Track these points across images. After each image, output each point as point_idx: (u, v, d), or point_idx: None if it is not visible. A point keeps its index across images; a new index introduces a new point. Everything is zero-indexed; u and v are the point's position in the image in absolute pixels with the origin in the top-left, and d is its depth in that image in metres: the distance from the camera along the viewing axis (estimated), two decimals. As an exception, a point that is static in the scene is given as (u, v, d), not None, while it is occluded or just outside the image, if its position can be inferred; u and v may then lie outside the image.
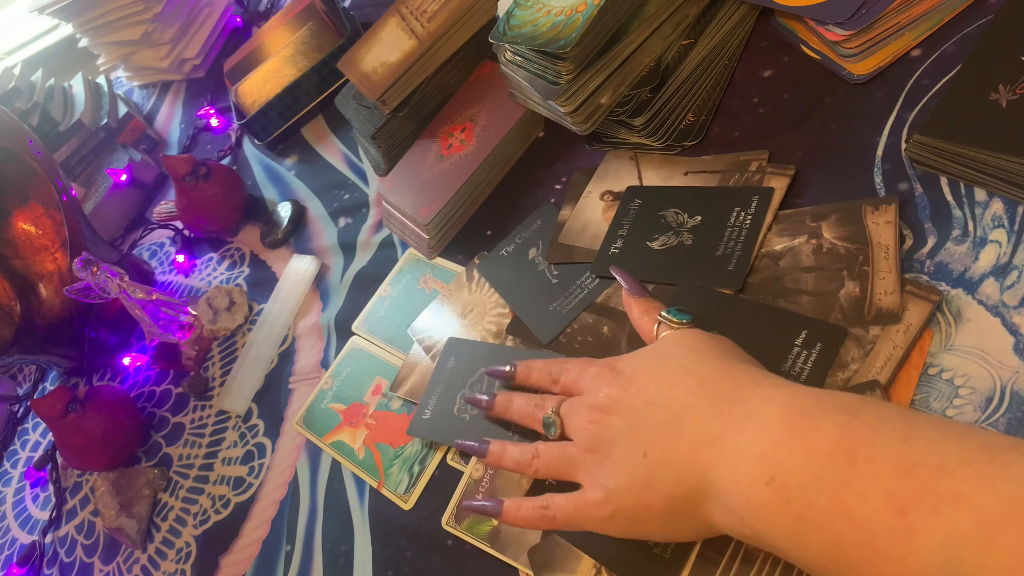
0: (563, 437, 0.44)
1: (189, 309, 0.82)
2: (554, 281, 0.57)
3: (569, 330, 0.54)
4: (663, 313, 0.44)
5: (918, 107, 0.49)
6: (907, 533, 0.29)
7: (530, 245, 0.61)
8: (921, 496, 0.29)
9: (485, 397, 0.50)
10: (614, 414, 0.40)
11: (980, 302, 0.41)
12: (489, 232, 0.66)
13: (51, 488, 0.83)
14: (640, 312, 0.46)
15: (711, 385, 0.38)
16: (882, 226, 0.46)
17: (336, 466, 0.62)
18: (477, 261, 0.64)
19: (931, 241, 0.45)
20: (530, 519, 0.43)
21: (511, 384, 0.51)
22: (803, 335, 0.44)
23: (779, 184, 0.51)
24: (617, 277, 0.49)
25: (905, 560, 0.29)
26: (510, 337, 0.57)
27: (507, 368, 0.50)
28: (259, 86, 0.92)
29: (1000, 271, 0.42)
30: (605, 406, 0.41)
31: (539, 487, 0.49)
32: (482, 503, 0.46)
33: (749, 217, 0.51)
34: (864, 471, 0.30)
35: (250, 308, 0.80)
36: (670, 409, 0.38)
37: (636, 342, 0.49)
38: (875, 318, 0.43)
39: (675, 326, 0.43)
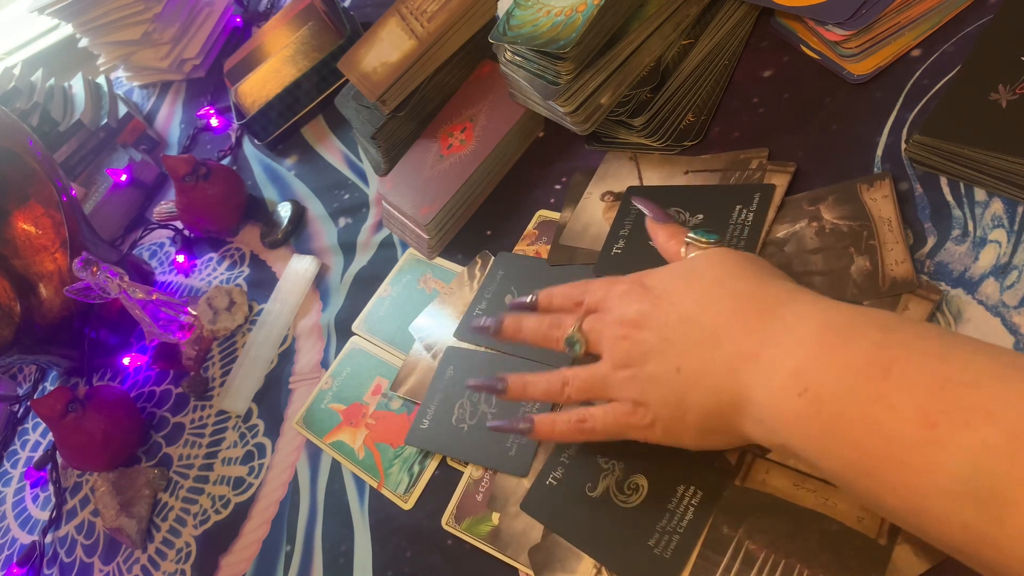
0: (587, 355, 0.43)
1: (189, 309, 0.82)
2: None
3: None
4: (690, 235, 0.44)
5: (918, 107, 0.49)
6: (935, 445, 0.29)
7: (502, 295, 0.59)
8: (951, 410, 0.29)
9: (491, 321, 0.48)
10: (645, 329, 0.40)
11: (980, 302, 0.41)
12: (489, 232, 0.66)
13: (51, 488, 0.83)
14: (666, 237, 0.45)
15: (745, 302, 0.38)
16: (880, 201, 0.47)
17: (336, 466, 0.62)
18: (479, 259, 0.64)
19: (931, 241, 0.45)
20: (567, 433, 0.44)
21: (539, 308, 0.49)
22: None
23: (780, 181, 0.51)
24: (639, 206, 0.49)
25: (931, 471, 0.29)
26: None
27: (528, 298, 0.49)
28: (259, 86, 0.92)
29: (1000, 271, 0.42)
30: (635, 321, 0.41)
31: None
32: (512, 423, 0.46)
33: (751, 214, 0.51)
34: (897, 385, 0.31)
35: (250, 308, 0.80)
36: (704, 325, 0.38)
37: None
38: (890, 288, 0.44)
39: (704, 246, 0.43)
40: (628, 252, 0.55)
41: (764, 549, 0.40)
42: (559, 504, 0.48)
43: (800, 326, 0.35)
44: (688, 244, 0.44)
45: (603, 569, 0.44)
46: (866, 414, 0.31)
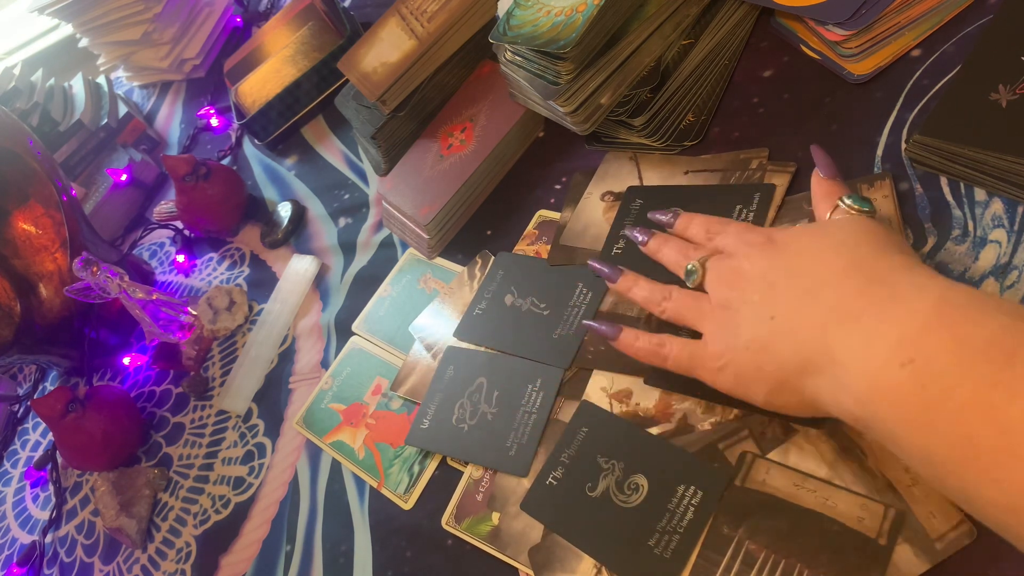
0: (700, 288, 0.44)
1: (189, 309, 0.82)
2: (545, 313, 0.56)
3: (580, 344, 0.53)
4: (844, 199, 0.42)
5: (918, 107, 0.49)
6: None
7: (502, 294, 0.59)
8: None
9: (642, 235, 0.50)
10: (756, 279, 0.40)
11: (980, 302, 0.41)
12: (489, 232, 0.66)
13: (51, 488, 0.83)
14: (822, 194, 0.44)
15: (863, 264, 0.37)
16: (880, 200, 0.47)
17: (336, 466, 0.62)
18: (479, 259, 0.64)
19: (931, 241, 0.45)
20: (644, 351, 0.45)
21: (667, 231, 0.50)
22: None
23: (780, 181, 0.51)
24: (813, 155, 0.46)
25: None
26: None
27: (668, 215, 0.50)
28: (259, 86, 0.92)
29: (1000, 271, 0.42)
30: (749, 272, 0.41)
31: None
32: (600, 325, 0.47)
33: (752, 214, 0.51)
34: (1022, 373, 0.29)
35: (250, 308, 0.80)
36: (812, 280, 0.38)
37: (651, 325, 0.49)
38: None
39: (853, 212, 0.41)
40: (628, 252, 0.55)
41: (764, 549, 0.40)
42: (559, 504, 0.48)
43: (914, 297, 0.34)
44: (837, 207, 0.42)
45: (603, 569, 0.44)
46: (981, 398, 0.29)
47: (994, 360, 0.29)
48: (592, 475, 0.48)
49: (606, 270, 0.49)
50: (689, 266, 0.45)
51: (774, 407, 0.40)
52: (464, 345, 0.59)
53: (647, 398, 0.49)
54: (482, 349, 0.58)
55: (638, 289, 0.47)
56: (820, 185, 0.44)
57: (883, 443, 0.35)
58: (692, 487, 0.44)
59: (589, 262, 0.51)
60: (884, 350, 0.33)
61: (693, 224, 0.48)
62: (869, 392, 0.33)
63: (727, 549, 0.41)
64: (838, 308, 0.36)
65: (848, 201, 0.42)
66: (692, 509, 0.44)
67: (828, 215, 0.42)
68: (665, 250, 0.48)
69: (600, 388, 0.51)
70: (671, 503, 0.44)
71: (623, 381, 0.50)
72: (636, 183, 0.58)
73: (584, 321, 0.50)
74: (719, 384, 0.41)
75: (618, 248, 0.56)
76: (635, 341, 0.45)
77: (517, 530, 0.49)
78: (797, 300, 0.38)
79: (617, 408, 0.49)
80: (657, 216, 0.50)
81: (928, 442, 0.31)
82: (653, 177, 0.58)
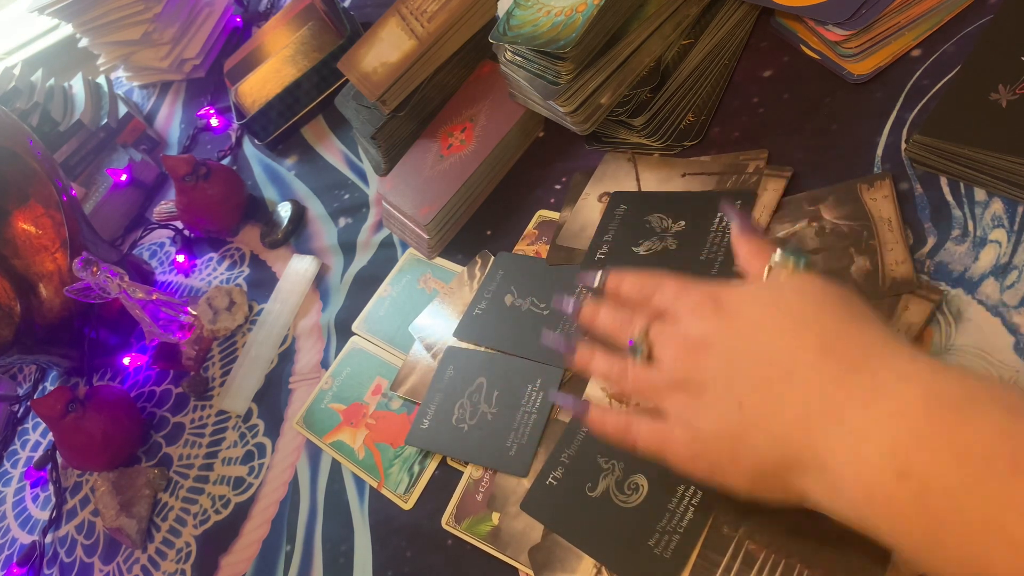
0: (647, 359, 0.40)
1: (189, 309, 0.82)
2: (544, 313, 0.56)
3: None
4: (778, 255, 0.38)
5: (918, 107, 0.49)
6: None
7: (502, 294, 0.59)
8: None
9: (572, 300, 0.46)
10: (710, 353, 0.36)
11: (980, 302, 0.41)
12: (489, 232, 0.66)
13: (51, 488, 0.83)
14: (749, 253, 0.40)
15: (833, 345, 0.33)
16: (880, 201, 0.47)
17: (336, 466, 0.62)
18: (479, 259, 0.64)
19: (931, 241, 0.45)
20: (612, 434, 0.41)
21: (598, 294, 0.46)
22: None
23: (776, 186, 0.51)
24: (726, 212, 0.43)
25: None
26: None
27: (596, 278, 0.45)
28: (259, 86, 0.92)
29: (1000, 271, 0.42)
30: (701, 341, 0.37)
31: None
32: (571, 400, 0.44)
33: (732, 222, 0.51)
34: None
35: (250, 308, 0.80)
36: (778, 362, 0.34)
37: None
38: (890, 288, 0.44)
39: (792, 270, 0.38)
40: (612, 257, 0.55)
41: (764, 549, 0.40)
42: (559, 504, 0.48)
43: (899, 390, 0.30)
44: (773, 266, 0.38)
45: (603, 569, 0.44)
46: (991, 518, 0.27)
47: (999, 473, 0.27)
48: (592, 475, 0.48)
49: (563, 345, 0.45)
50: (632, 341, 0.41)
51: (756, 495, 0.37)
52: (464, 345, 0.59)
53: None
54: (482, 349, 0.58)
55: (596, 364, 0.43)
56: (744, 244, 0.41)
57: (885, 543, 0.32)
58: (692, 487, 0.44)
59: (543, 340, 0.47)
60: (876, 457, 0.30)
61: (624, 284, 0.44)
62: (866, 502, 0.30)
63: (727, 549, 0.41)
64: (816, 403, 0.32)
65: (783, 256, 0.38)
66: (692, 509, 0.44)
67: (765, 276, 0.39)
68: (601, 317, 0.44)
69: (600, 388, 0.51)
70: (671, 503, 0.44)
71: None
72: (634, 184, 0.58)
73: (551, 395, 0.48)
74: (694, 472, 0.38)
75: (601, 254, 0.56)
76: (604, 422, 0.41)
77: (517, 530, 0.49)
78: (766, 386, 0.34)
79: (617, 408, 0.49)
80: (585, 279, 0.46)
81: (934, 556, 0.29)
82: (651, 178, 0.58)
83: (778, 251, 0.38)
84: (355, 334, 0.68)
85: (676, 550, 0.43)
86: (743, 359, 0.35)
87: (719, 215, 0.52)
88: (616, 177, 0.60)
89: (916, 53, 0.51)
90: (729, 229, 0.50)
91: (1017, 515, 0.26)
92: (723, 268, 0.50)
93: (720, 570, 0.41)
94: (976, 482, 0.27)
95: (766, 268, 0.39)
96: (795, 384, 0.33)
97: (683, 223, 0.53)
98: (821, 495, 0.33)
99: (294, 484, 0.64)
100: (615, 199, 0.58)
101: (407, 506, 0.56)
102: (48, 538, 0.80)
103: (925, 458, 0.29)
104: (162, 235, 0.98)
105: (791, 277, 0.38)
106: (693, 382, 0.37)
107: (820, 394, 0.32)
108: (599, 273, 0.45)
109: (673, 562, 0.42)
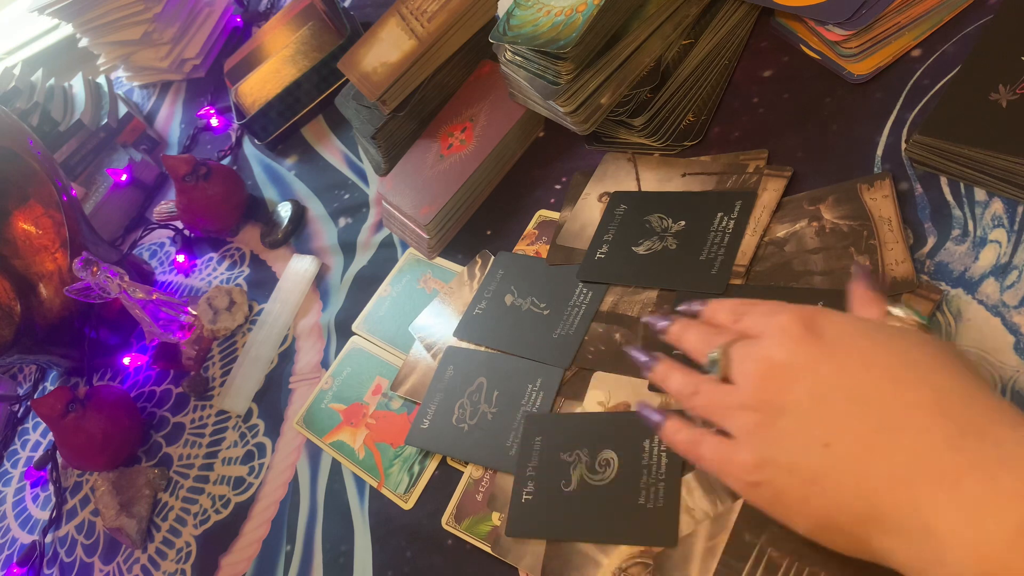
0: (728, 380, 0.38)
1: (189, 309, 0.82)
2: (545, 312, 0.56)
3: (583, 341, 0.53)
4: (893, 309, 0.36)
5: (918, 107, 0.49)
6: None
7: (502, 294, 0.59)
8: None
9: (661, 321, 0.44)
10: (796, 378, 0.34)
11: (980, 302, 0.41)
12: (489, 232, 0.66)
13: (51, 488, 0.83)
14: (865, 298, 0.38)
15: (952, 407, 0.31)
16: (880, 200, 0.47)
17: (336, 466, 0.62)
18: (479, 259, 0.64)
19: (931, 241, 0.45)
20: (680, 446, 0.39)
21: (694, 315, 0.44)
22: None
23: (776, 186, 0.51)
24: (855, 272, 0.40)
25: None
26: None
27: (698, 305, 0.43)
28: (259, 86, 0.92)
29: (1000, 271, 0.42)
30: (786, 365, 0.34)
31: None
32: (650, 411, 0.42)
33: (732, 222, 0.51)
34: None
35: (250, 308, 0.80)
36: (884, 410, 0.31)
37: (651, 346, 0.47)
38: (890, 287, 0.44)
39: (908, 324, 0.35)
40: (612, 257, 0.55)
41: (787, 557, 0.40)
42: (542, 514, 0.48)
43: None
44: (891, 313, 0.36)
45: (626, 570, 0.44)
46: None
47: None
48: (562, 472, 0.48)
49: (644, 359, 0.43)
50: (711, 355, 0.38)
51: (817, 540, 0.34)
52: (464, 345, 0.59)
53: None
54: (482, 349, 0.58)
55: (671, 381, 0.41)
56: (861, 294, 0.39)
57: None
58: (655, 436, 0.46)
59: (626, 349, 0.45)
60: (1000, 534, 0.27)
61: (722, 309, 0.41)
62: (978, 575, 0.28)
63: (749, 556, 0.41)
64: (926, 464, 0.30)
65: (901, 311, 0.36)
66: (664, 455, 0.45)
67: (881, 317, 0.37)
68: (688, 336, 0.42)
69: (597, 402, 0.51)
70: (643, 459, 0.46)
71: (620, 394, 0.50)
72: (634, 184, 0.58)
73: (637, 405, 0.44)
74: (752, 500, 0.35)
75: (601, 253, 0.56)
76: (675, 434, 0.40)
77: (517, 530, 0.49)
78: (864, 435, 0.31)
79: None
80: (687, 308, 0.44)
81: None
82: (651, 178, 0.58)
83: (893, 307, 0.36)
84: (355, 334, 0.68)
85: (665, 495, 0.44)
86: (837, 395, 0.33)
87: (719, 215, 0.52)
88: (616, 177, 0.60)
89: (916, 53, 0.51)
90: (729, 229, 0.51)
91: None
92: (723, 267, 0.50)
93: (743, 576, 0.41)
94: None
95: (883, 312, 0.37)
96: (901, 438, 0.31)
97: (683, 223, 0.53)
98: (911, 559, 0.30)
99: (294, 484, 0.64)
100: (615, 199, 0.58)
101: (407, 506, 0.56)
102: (48, 538, 0.80)
103: None
104: (162, 235, 0.98)
105: (907, 328, 0.35)
106: (770, 406, 0.34)
107: (932, 455, 0.30)
108: (699, 303, 0.43)
109: (667, 506, 0.44)
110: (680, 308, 0.44)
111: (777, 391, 0.34)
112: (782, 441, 0.33)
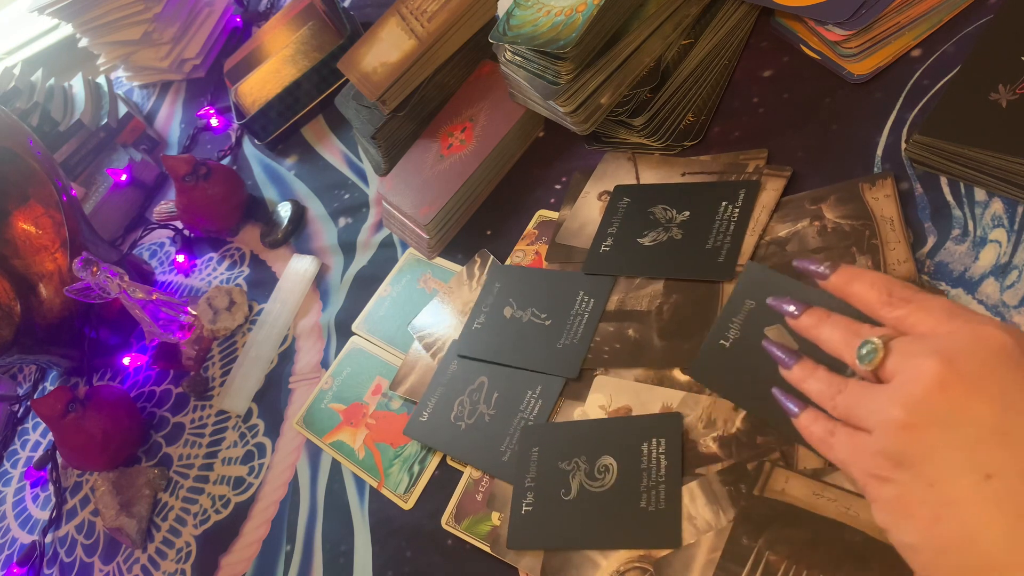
0: (874, 375, 0.33)
1: (189, 309, 0.82)
2: (547, 323, 0.55)
3: (592, 346, 0.53)
4: None
5: (918, 107, 0.49)
6: None
7: (500, 307, 0.59)
8: None
9: (795, 308, 0.38)
10: (983, 400, 0.29)
11: (980, 302, 0.41)
12: (489, 232, 0.66)
13: (51, 488, 0.83)
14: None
15: None
16: (882, 200, 0.47)
17: (336, 466, 0.62)
18: (478, 258, 0.64)
19: (931, 241, 0.45)
20: (814, 437, 0.36)
21: (826, 284, 0.38)
22: None
23: (775, 185, 0.51)
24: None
25: None
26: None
27: (822, 265, 0.38)
28: (259, 86, 0.92)
29: (1000, 271, 0.42)
30: (975, 379, 0.30)
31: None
32: (788, 400, 0.38)
33: (737, 210, 0.51)
34: None
35: (250, 308, 0.80)
36: None
37: (668, 336, 0.49)
38: None
39: None
40: (616, 249, 0.55)
41: (785, 560, 0.40)
42: (543, 525, 0.48)
43: None
44: None
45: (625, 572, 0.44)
46: None
47: None
48: (561, 481, 0.48)
49: (783, 356, 0.38)
50: (865, 346, 0.33)
51: (915, 558, 0.31)
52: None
53: (645, 412, 0.49)
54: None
55: (814, 381, 0.36)
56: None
57: None
58: (653, 439, 0.46)
59: (764, 344, 0.40)
60: None
61: (862, 282, 0.36)
62: None
63: (747, 560, 0.41)
64: None
65: None
66: (663, 457, 0.45)
67: None
68: (826, 327, 0.36)
69: (599, 406, 0.50)
70: (642, 463, 0.46)
71: (622, 398, 0.50)
72: (634, 183, 0.58)
73: (774, 391, 0.39)
74: (871, 494, 0.32)
75: (606, 246, 0.56)
76: (811, 424, 0.36)
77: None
78: None
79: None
80: (806, 265, 0.38)
81: None
82: (651, 178, 0.58)
83: None
84: (355, 334, 0.68)
85: (667, 497, 0.44)
86: None
87: (724, 203, 0.52)
88: (616, 176, 0.60)
89: (916, 53, 0.51)
90: (735, 217, 0.51)
91: None
92: (730, 255, 0.50)
93: (741, 582, 0.40)
94: None
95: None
96: None
97: (687, 213, 0.53)
98: None
99: (294, 484, 0.64)
100: (617, 192, 0.58)
101: (407, 506, 0.56)
102: (48, 538, 0.80)
103: None
104: (162, 235, 0.98)
105: None
106: (928, 419, 0.30)
107: None
108: (823, 265, 0.38)
109: (669, 509, 0.44)
110: (801, 265, 0.38)
111: (950, 401, 0.30)
112: (935, 452, 0.30)
